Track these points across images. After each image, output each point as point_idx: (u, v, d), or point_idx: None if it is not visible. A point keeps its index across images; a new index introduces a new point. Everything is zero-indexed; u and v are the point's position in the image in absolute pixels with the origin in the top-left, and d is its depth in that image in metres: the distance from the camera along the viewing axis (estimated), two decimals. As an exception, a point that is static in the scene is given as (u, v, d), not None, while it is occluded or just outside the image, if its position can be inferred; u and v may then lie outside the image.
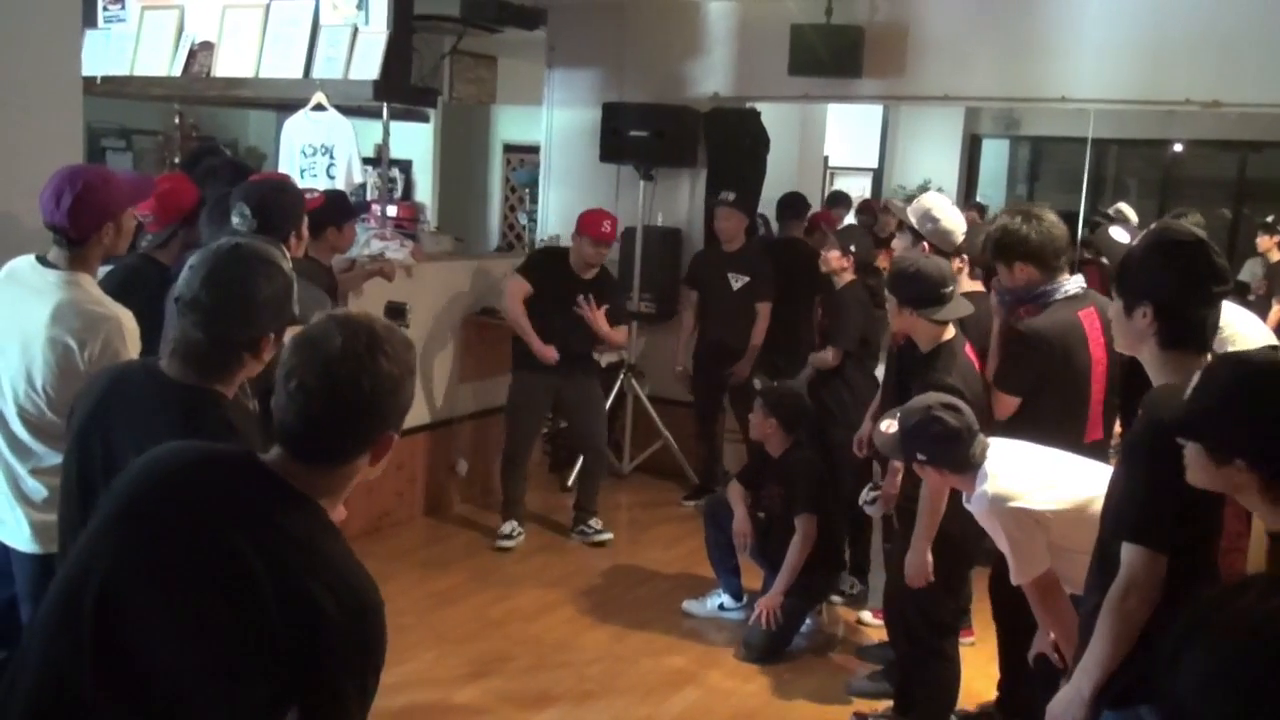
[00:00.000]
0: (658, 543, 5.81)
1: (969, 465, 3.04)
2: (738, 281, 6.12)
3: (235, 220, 3.34)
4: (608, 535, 5.70)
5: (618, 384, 6.66)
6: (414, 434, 5.77)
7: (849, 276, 4.98)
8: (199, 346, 2.12)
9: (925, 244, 3.93)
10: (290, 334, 2.86)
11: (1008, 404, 3.52)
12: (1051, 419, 3.39)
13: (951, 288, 3.62)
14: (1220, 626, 0.96)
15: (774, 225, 7.12)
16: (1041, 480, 2.95)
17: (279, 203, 3.48)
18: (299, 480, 1.60)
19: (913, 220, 4.00)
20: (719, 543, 4.83)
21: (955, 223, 3.96)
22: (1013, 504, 2.89)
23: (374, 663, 1.57)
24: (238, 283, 2.12)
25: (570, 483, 6.39)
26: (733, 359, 6.06)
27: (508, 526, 5.63)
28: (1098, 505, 2.78)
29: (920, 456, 3.13)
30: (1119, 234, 4.83)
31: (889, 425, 3.24)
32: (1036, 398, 3.48)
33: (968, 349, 3.69)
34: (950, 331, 3.65)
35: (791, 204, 6.82)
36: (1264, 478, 1.87)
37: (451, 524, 5.94)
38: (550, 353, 5.47)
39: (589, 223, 5.49)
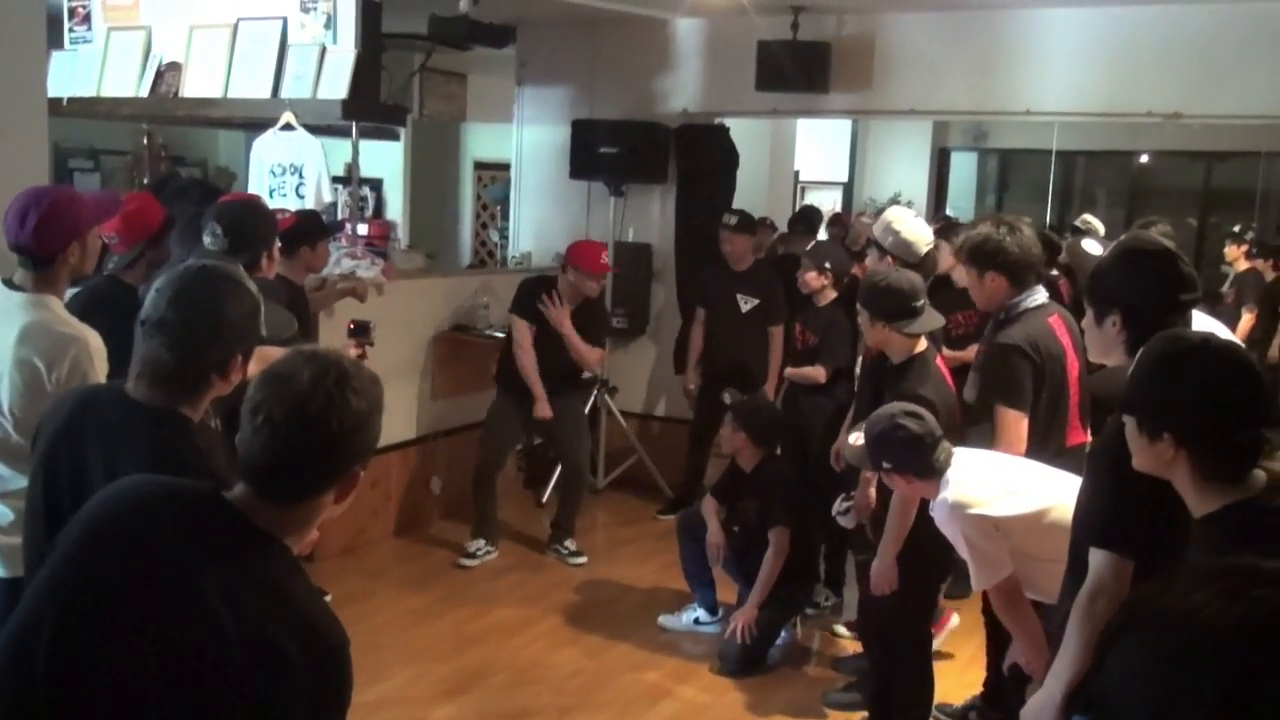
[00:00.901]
0: (633, 557, 5.82)
1: (933, 471, 3.08)
2: (747, 303, 6.08)
3: (207, 240, 3.34)
4: (582, 559, 5.68)
5: (591, 399, 6.66)
6: (388, 452, 5.76)
7: (831, 294, 4.98)
8: (166, 368, 2.10)
9: (890, 257, 3.96)
10: (257, 360, 2.88)
11: (1020, 423, 3.36)
12: (1038, 426, 3.41)
13: (923, 301, 3.65)
14: (1143, 622, 0.98)
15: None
16: (1002, 487, 2.98)
17: (251, 222, 3.48)
18: (263, 518, 1.59)
19: (876, 235, 4.03)
20: (693, 556, 4.83)
21: (917, 234, 4.00)
22: (972, 510, 2.92)
23: (340, 703, 1.56)
24: (205, 303, 2.12)
25: (545, 499, 6.38)
26: (740, 379, 5.87)
27: (473, 545, 5.61)
28: (1060, 512, 2.82)
29: (885, 464, 3.17)
30: (1091, 246, 4.90)
31: (857, 437, 3.28)
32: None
33: (939, 361, 3.73)
34: (922, 344, 3.69)
35: (805, 220, 6.81)
36: (1192, 456, 1.89)
37: (427, 542, 5.92)
38: (547, 410, 5.46)
39: (586, 257, 5.42)
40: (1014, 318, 3.48)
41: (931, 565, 3.64)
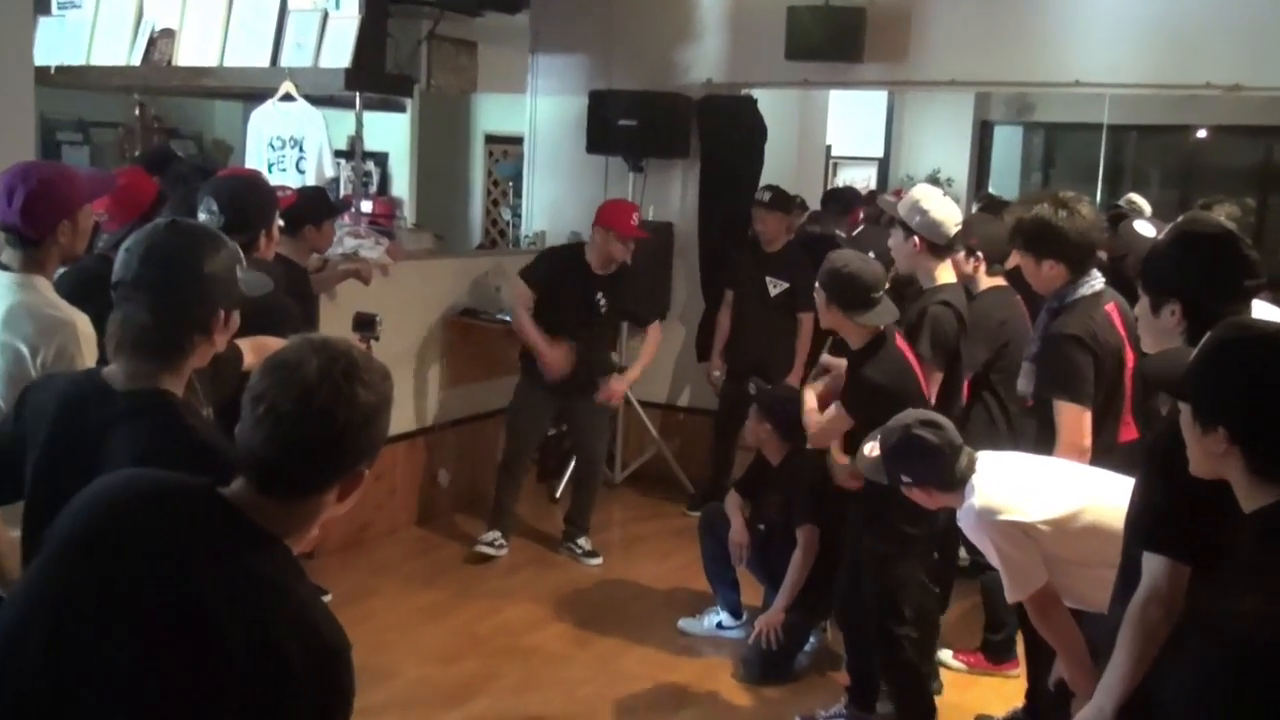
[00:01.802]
0: (651, 556, 5.82)
1: (955, 482, 3.07)
2: (776, 286, 6.08)
3: (203, 217, 3.34)
4: (597, 560, 5.68)
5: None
6: (394, 443, 5.77)
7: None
8: (146, 331, 2.07)
9: (917, 239, 3.94)
10: (256, 350, 2.88)
11: (1083, 418, 3.33)
12: (1093, 423, 3.39)
13: (880, 293, 3.74)
14: (1207, 630, 0.97)
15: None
16: (1031, 490, 2.97)
17: (250, 199, 3.48)
18: (262, 515, 1.59)
19: (901, 214, 4.01)
20: (716, 555, 4.84)
21: (946, 213, 3.96)
22: (1001, 517, 2.91)
23: (343, 709, 1.57)
24: (180, 257, 2.09)
25: (559, 494, 6.39)
26: (767, 368, 5.86)
27: (490, 535, 5.63)
28: (1096, 513, 2.80)
29: (905, 479, 3.16)
30: (1144, 227, 4.84)
31: (871, 448, 3.27)
32: None
33: (899, 341, 3.80)
34: (879, 329, 3.78)
35: (839, 200, 6.78)
36: (1246, 454, 1.87)
37: (435, 537, 5.94)
38: (557, 361, 5.41)
39: (616, 216, 5.43)
40: (1069, 306, 3.46)
41: (913, 553, 3.74)
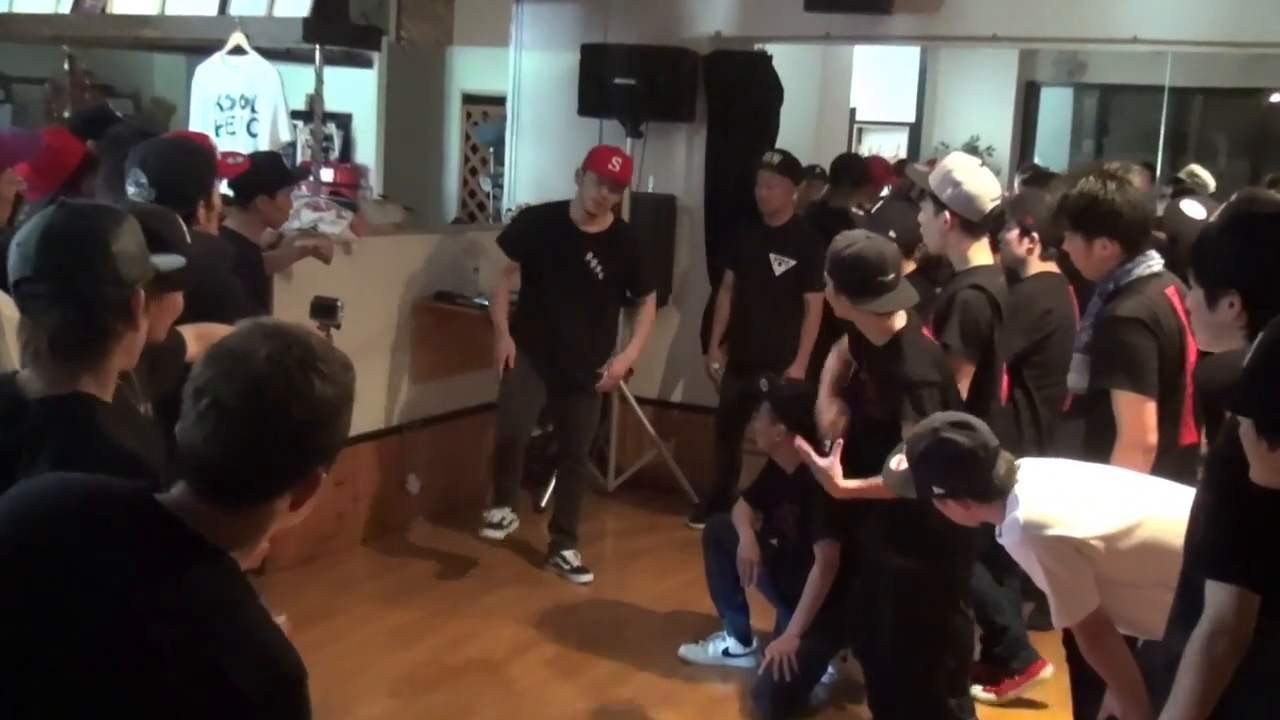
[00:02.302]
0: (649, 573, 5.83)
1: (994, 491, 3.04)
2: (781, 264, 6.09)
3: (131, 190, 3.34)
4: (587, 577, 5.68)
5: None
6: (357, 444, 5.77)
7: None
8: (61, 327, 2.06)
9: (948, 214, 3.93)
10: (199, 338, 2.87)
11: (1147, 409, 3.34)
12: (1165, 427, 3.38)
13: (893, 275, 3.69)
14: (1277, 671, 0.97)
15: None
16: (1082, 500, 2.95)
17: (183, 166, 3.47)
18: (206, 525, 1.59)
19: (932, 186, 4.00)
20: (723, 573, 4.84)
21: (982, 186, 3.93)
22: (1049, 531, 2.89)
23: None
24: (81, 235, 2.08)
25: (544, 502, 6.39)
26: (772, 357, 5.95)
27: (498, 514, 5.55)
28: (1153, 527, 2.79)
29: (937, 490, 3.14)
30: (1193, 208, 4.81)
31: (898, 461, 3.25)
32: None
33: (926, 332, 3.80)
34: (900, 320, 3.74)
35: (850, 167, 6.79)
36: None
37: (403, 550, 5.94)
38: (506, 348, 5.51)
39: (595, 158, 5.50)
40: (1125, 288, 3.46)
41: (937, 593, 3.73)
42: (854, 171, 6.85)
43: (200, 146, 3.68)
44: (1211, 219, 2.81)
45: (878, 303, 3.68)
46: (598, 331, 5.70)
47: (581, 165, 5.54)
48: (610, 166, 5.45)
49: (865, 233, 3.89)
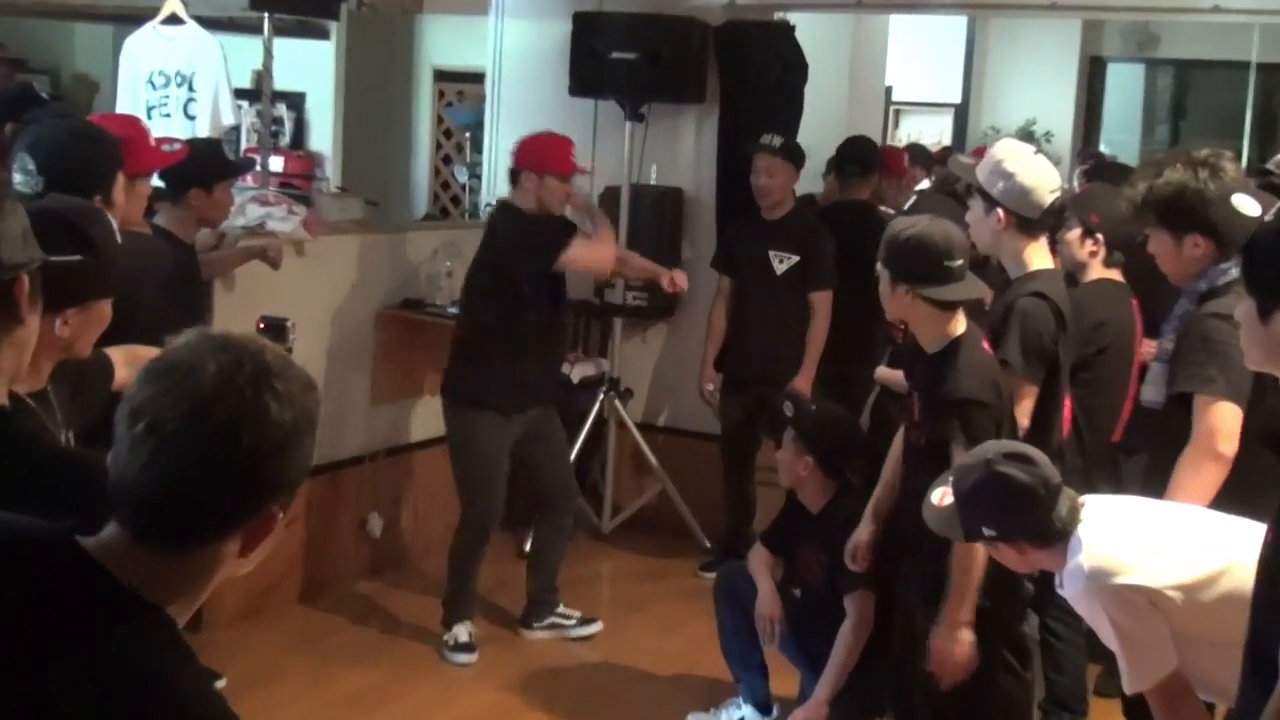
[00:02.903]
0: (652, 628, 5.83)
1: (1054, 535, 3.04)
2: (784, 262, 6.12)
3: (17, 178, 3.35)
4: (593, 627, 5.67)
5: (595, 407, 6.66)
6: (309, 478, 5.75)
7: None
8: None
9: (1001, 212, 3.93)
10: (128, 361, 2.87)
11: (1234, 418, 3.37)
12: (1243, 448, 3.38)
13: (961, 261, 3.71)
14: None
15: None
16: (1156, 544, 2.95)
17: (78, 154, 3.48)
18: (138, 575, 1.57)
19: (980, 180, 4.01)
20: (738, 630, 4.83)
21: (1038, 178, 3.94)
22: (1118, 580, 2.89)
23: None
24: None
25: (529, 546, 6.38)
26: (777, 371, 6.01)
27: (462, 631, 5.46)
28: (1239, 575, 2.78)
29: (987, 531, 3.14)
30: (1245, 203, 4.74)
31: (942, 495, 3.25)
32: None
33: (985, 344, 3.80)
34: (961, 324, 3.76)
35: (856, 154, 6.84)
36: None
37: (363, 602, 5.93)
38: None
39: (549, 154, 5.37)
40: (1220, 289, 3.47)
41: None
42: (862, 159, 6.82)
43: (102, 133, 3.67)
44: (1269, 216, 2.80)
45: (943, 290, 3.69)
46: (554, 355, 5.70)
47: (523, 162, 5.39)
48: (571, 158, 5.41)
49: (926, 215, 3.91)
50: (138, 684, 1.52)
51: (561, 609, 5.73)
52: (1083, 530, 3.02)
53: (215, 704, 1.58)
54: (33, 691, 1.48)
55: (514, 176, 5.42)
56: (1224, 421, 3.36)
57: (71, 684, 1.48)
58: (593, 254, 5.47)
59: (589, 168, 5.59)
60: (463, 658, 5.41)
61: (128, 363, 2.89)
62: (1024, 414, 3.83)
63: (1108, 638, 2.95)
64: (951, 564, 3.63)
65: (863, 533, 4.28)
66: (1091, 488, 3.68)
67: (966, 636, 3.68)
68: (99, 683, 1.50)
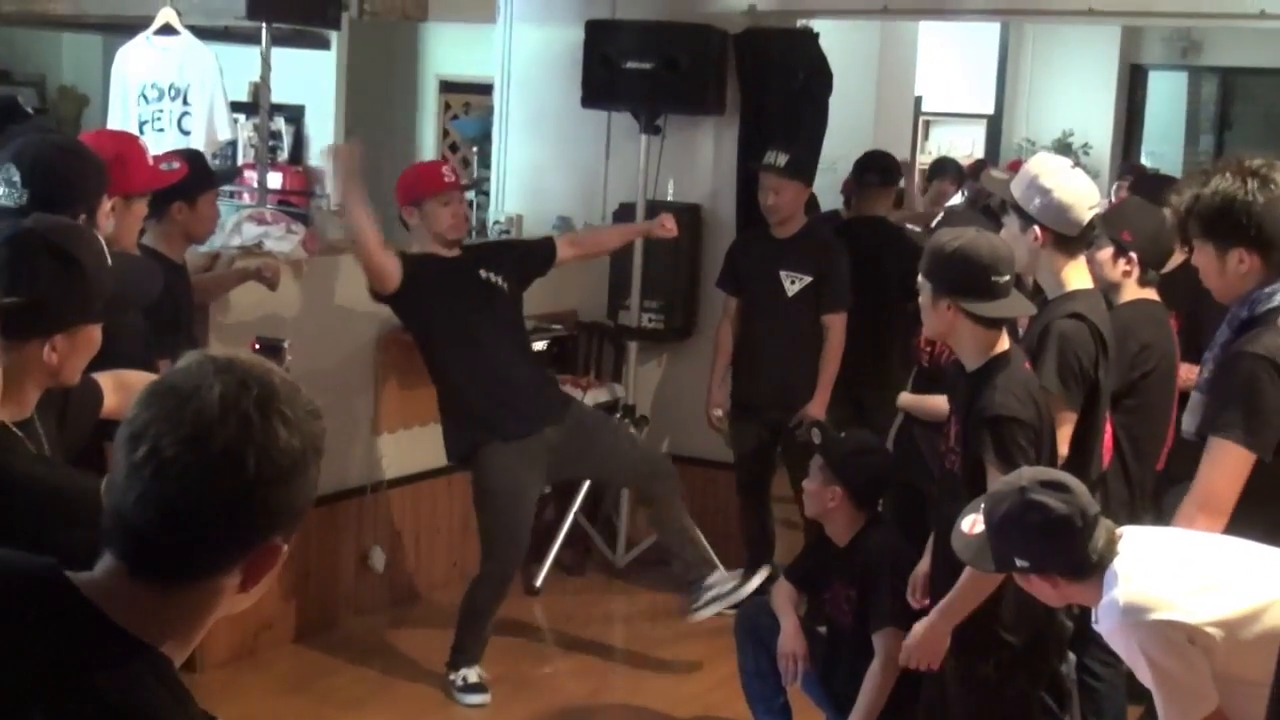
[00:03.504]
0: (669, 670, 5.81)
1: (1090, 567, 3.03)
2: (795, 283, 6.13)
3: (0, 190, 3.36)
4: (760, 576, 5.68)
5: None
6: (307, 510, 5.77)
7: None
8: None
9: (1038, 229, 3.94)
10: (117, 388, 2.88)
11: (1243, 464, 3.34)
12: (1269, 483, 3.35)
13: (1007, 277, 3.71)
14: None
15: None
16: (1197, 578, 2.94)
17: (66, 169, 3.49)
18: (131, 612, 1.57)
19: (1016, 196, 4.01)
20: (760, 671, 4.81)
21: (1077, 193, 3.94)
22: (1155, 616, 2.88)
23: None
24: None
25: (539, 581, 6.38)
26: (789, 396, 6.03)
27: (471, 673, 5.43)
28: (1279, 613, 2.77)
29: (1020, 562, 3.12)
30: None
31: (973, 523, 3.24)
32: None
33: (1028, 366, 3.80)
34: (1005, 343, 3.76)
35: (876, 166, 6.85)
36: None
37: (363, 643, 5.92)
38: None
39: (418, 182, 5.42)
40: (1263, 316, 3.45)
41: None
42: (882, 170, 6.85)
43: (89, 152, 3.69)
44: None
45: (989, 306, 3.68)
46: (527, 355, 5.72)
47: (404, 200, 5.43)
48: (442, 174, 5.43)
49: (973, 228, 3.91)
50: None
51: (715, 577, 5.61)
52: (1119, 563, 3.01)
53: None
54: None
55: (405, 224, 5.48)
56: (1231, 470, 3.33)
57: None
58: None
59: (468, 179, 5.54)
60: (474, 699, 5.37)
61: (117, 389, 2.90)
62: (1063, 441, 3.82)
63: (1144, 676, 2.94)
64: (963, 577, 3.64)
65: (924, 565, 4.25)
66: (1136, 519, 3.69)
67: (945, 632, 3.77)
68: None
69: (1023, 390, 3.68)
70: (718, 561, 5.69)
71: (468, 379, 5.37)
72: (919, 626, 3.80)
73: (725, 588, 5.56)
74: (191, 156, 4.92)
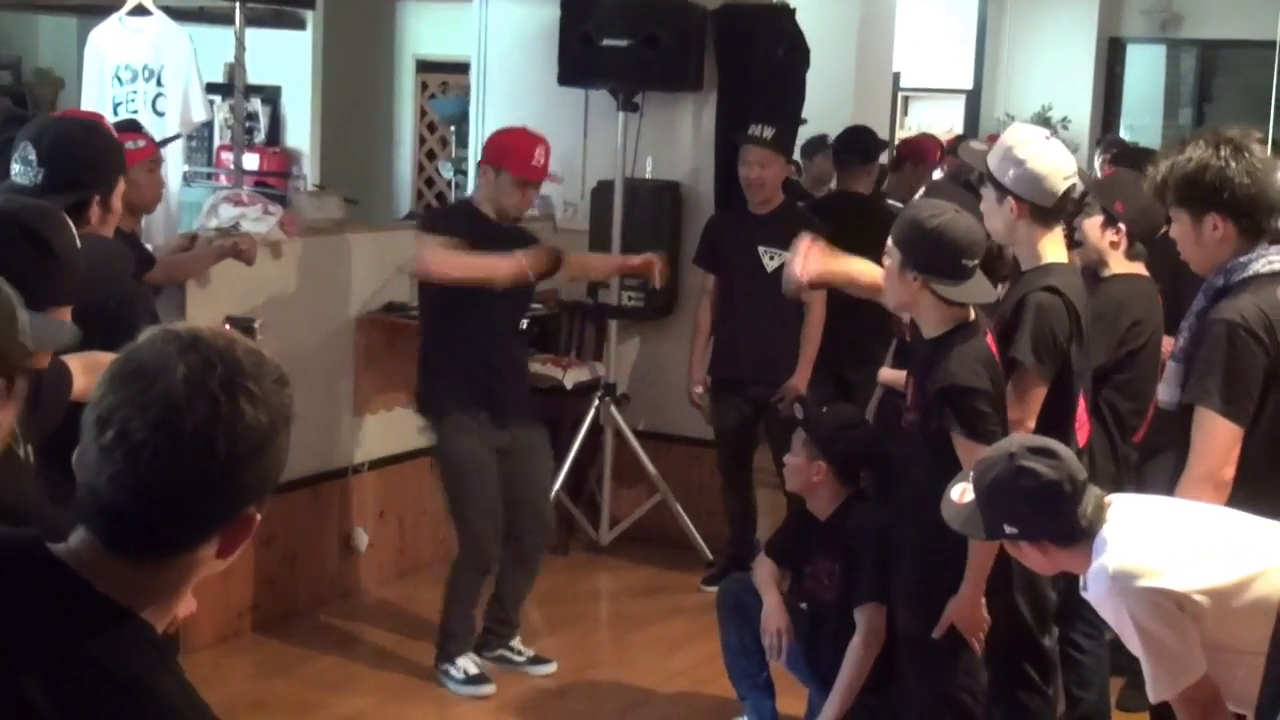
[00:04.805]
0: (654, 647, 5.82)
1: (1079, 533, 3.04)
2: (775, 259, 6.12)
3: (16, 169, 3.36)
4: (546, 668, 5.51)
5: (590, 414, 6.65)
6: (289, 492, 5.75)
7: None
8: None
9: (1013, 200, 3.94)
10: (87, 369, 2.87)
11: (1231, 436, 3.38)
12: (1254, 450, 3.38)
13: (976, 261, 3.78)
14: None
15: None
16: (1186, 546, 2.96)
17: (84, 149, 3.50)
18: (112, 582, 1.58)
19: (992, 167, 4.01)
20: (743, 647, 4.82)
21: (1051, 163, 3.95)
22: (1143, 582, 2.89)
23: None
24: None
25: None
26: (770, 373, 6.06)
27: (469, 663, 5.31)
28: (1274, 581, 2.78)
29: (1009, 529, 3.13)
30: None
31: (962, 491, 3.25)
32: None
33: (990, 341, 3.84)
34: (968, 315, 3.83)
35: (855, 143, 6.85)
36: None
37: (348, 623, 5.92)
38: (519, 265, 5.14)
39: (510, 150, 5.27)
40: (1237, 286, 3.46)
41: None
42: (861, 146, 6.85)
43: (107, 133, 3.71)
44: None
45: (953, 289, 3.75)
46: (521, 366, 5.64)
47: (486, 157, 5.35)
48: (533, 163, 5.26)
49: (956, 206, 3.94)
50: (117, 685, 1.54)
51: (514, 643, 5.53)
52: (1108, 530, 3.02)
53: (198, 706, 1.59)
54: (10, 697, 1.50)
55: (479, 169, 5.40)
56: (1220, 442, 3.36)
57: (49, 686, 1.50)
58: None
59: (559, 175, 5.48)
60: (481, 689, 5.26)
61: (86, 370, 2.89)
62: (1030, 414, 3.84)
63: (1133, 643, 2.95)
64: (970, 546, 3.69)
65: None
66: (1126, 490, 3.69)
67: (977, 599, 3.80)
68: (76, 684, 1.51)
69: (974, 362, 3.75)
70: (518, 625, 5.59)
71: (469, 351, 5.25)
72: (953, 603, 3.82)
73: (519, 658, 5.48)
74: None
